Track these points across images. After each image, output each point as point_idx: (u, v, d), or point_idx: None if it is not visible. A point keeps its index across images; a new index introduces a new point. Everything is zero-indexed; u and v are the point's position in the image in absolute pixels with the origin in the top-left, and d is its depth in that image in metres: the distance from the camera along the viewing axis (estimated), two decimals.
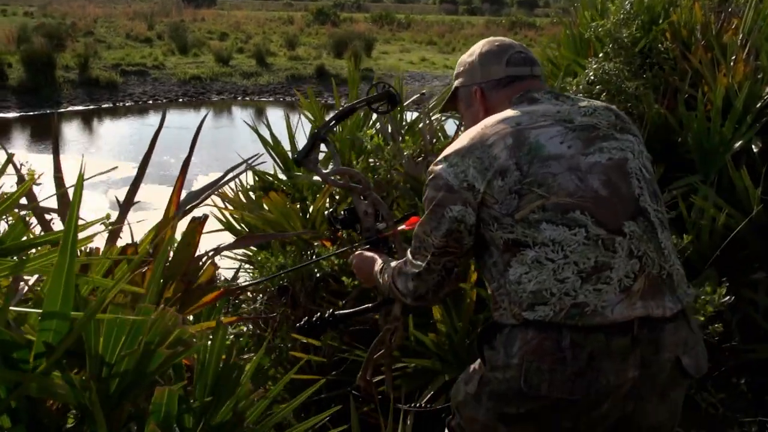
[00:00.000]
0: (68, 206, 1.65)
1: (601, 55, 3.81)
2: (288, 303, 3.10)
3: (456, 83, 1.95)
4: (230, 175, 1.85)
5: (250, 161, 1.99)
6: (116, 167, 1.92)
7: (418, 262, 1.80)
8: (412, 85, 17.56)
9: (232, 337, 2.76)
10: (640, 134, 1.79)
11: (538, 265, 1.56)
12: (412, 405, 2.24)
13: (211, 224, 3.57)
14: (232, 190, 3.60)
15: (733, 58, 3.61)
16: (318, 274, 2.89)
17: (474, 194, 1.62)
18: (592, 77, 3.59)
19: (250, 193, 3.64)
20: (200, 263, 1.53)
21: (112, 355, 1.11)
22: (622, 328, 1.53)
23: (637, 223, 1.59)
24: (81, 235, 1.22)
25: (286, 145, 3.86)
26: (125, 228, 1.89)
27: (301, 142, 2.73)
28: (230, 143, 12.54)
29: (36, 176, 1.91)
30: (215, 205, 3.44)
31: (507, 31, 29.98)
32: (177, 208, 1.61)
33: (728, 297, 2.41)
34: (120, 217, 1.66)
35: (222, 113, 16.86)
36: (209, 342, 1.51)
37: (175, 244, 1.52)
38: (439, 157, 1.72)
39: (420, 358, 2.48)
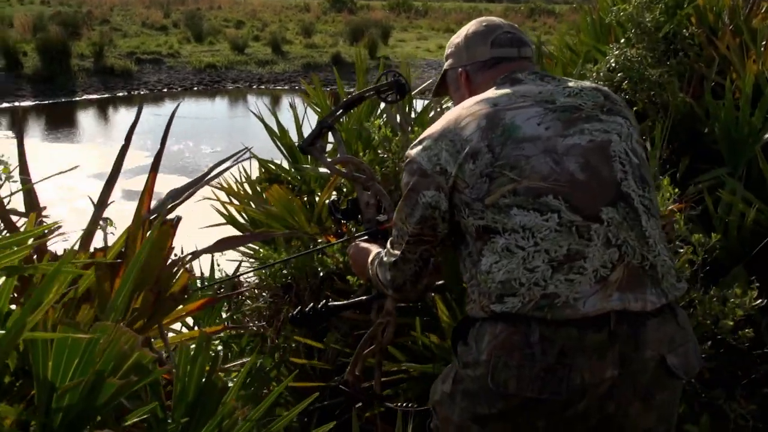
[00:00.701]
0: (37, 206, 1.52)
1: (622, 40, 3.66)
2: (292, 301, 2.98)
3: (445, 66, 1.89)
4: (214, 172, 1.71)
5: (236, 157, 1.86)
6: (77, 166, 1.79)
7: (395, 251, 1.74)
8: (429, 73, 17.38)
9: (219, 348, 2.65)
10: (632, 117, 1.69)
11: (507, 253, 1.48)
12: (403, 405, 2.14)
13: (214, 217, 3.45)
14: (236, 181, 3.48)
15: (764, 43, 3.44)
16: (321, 273, 2.77)
17: (446, 178, 1.56)
18: (613, 64, 3.45)
19: (256, 186, 3.53)
20: (174, 270, 1.40)
21: (63, 382, 0.98)
22: (596, 322, 1.43)
23: (617, 209, 1.50)
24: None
25: (294, 136, 3.72)
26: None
27: (308, 132, 2.68)
28: (244, 132, 12.47)
29: (10, 169, 1.77)
30: (217, 199, 3.32)
31: (525, 18, 29.66)
32: (148, 208, 1.48)
33: (760, 300, 2.25)
34: (93, 218, 1.52)
35: (237, 102, 16.79)
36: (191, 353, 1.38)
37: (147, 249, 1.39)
38: (415, 141, 1.67)
39: (426, 361, 2.35)
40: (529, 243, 1.47)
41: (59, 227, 1.58)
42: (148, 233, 1.35)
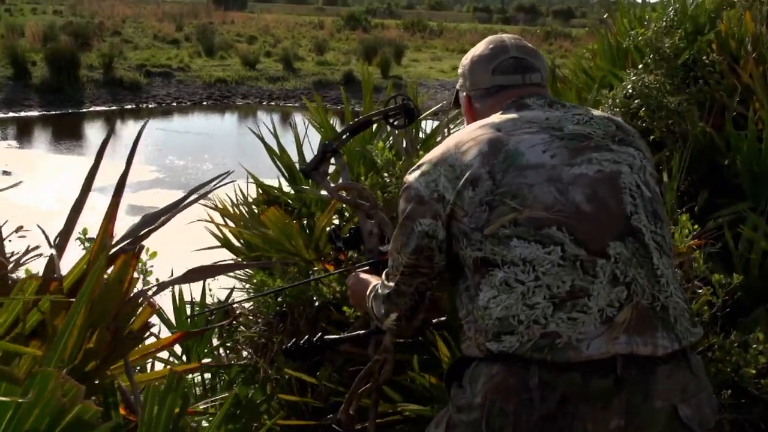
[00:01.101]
0: None
1: (640, 66, 3.57)
2: (287, 330, 2.87)
3: (457, 86, 1.85)
4: (192, 197, 1.61)
5: (216, 182, 1.76)
6: (20, 182, 1.68)
7: (390, 283, 1.68)
8: (442, 94, 17.33)
9: (207, 377, 2.54)
10: (646, 149, 1.62)
11: (506, 287, 1.41)
12: None
13: (208, 240, 3.35)
14: (233, 203, 3.39)
15: None
16: (317, 302, 2.67)
17: (444, 206, 1.50)
18: (630, 90, 3.36)
19: (254, 207, 3.43)
20: (136, 304, 1.29)
21: None
22: (602, 366, 1.35)
23: (625, 244, 1.42)
24: None
25: (296, 155, 3.63)
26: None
27: (308, 151, 2.62)
28: (253, 149, 12.38)
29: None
30: (211, 220, 3.23)
31: (542, 41, 29.67)
32: (110, 235, 1.37)
33: None
34: (58, 245, 1.42)
35: (246, 118, 16.77)
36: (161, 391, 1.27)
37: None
38: (414, 166, 1.61)
39: (424, 402, 2.24)
40: (530, 277, 1.40)
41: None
42: (113, 263, 1.25)
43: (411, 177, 1.59)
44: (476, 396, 1.42)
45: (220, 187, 1.77)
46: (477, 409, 1.41)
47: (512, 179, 1.45)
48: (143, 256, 2.07)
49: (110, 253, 1.29)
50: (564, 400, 1.35)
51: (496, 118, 1.59)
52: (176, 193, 7.94)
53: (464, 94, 1.78)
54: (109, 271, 1.34)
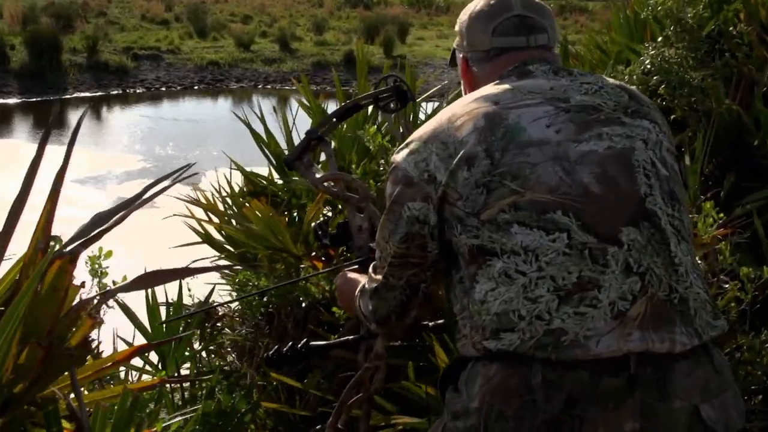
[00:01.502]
0: None
1: (660, 39, 3.51)
2: (273, 333, 2.82)
3: (454, 44, 1.77)
4: (150, 192, 1.53)
5: (176, 175, 1.68)
6: None
7: (378, 276, 1.62)
8: (449, 74, 17.26)
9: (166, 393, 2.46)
10: (663, 122, 1.56)
11: (506, 279, 1.36)
12: None
13: (189, 236, 3.29)
14: (216, 194, 3.33)
15: None
16: (304, 303, 2.61)
17: (435, 187, 1.44)
18: (648, 66, 3.31)
19: (240, 199, 3.37)
20: (75, 317, 1.21)
21: None
22: (613, 364, 1.30)
23: (639, 229, 1.38)
24: None
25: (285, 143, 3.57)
26: None
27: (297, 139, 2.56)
28: (247, 136, 12.34)
29: None
30: (192, 216, 3.16)
31: (556, 15, 29.49)
32: (47, 237, 1.29)
33: None
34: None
35: (241, 102, 16.71)
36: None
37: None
38: (402, 144, 1.55)
39: (421, 413, 2.21)
40: (532, 267, 1.35)
41: None
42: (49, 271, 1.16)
43: (398, 156, 1.53)
44: (473, 400, 1.37)
45: (180, 181, 1.68)
46: (473, 414, 1.36)
47: (512, 158, 1.40)
48: (100, 256, 1.99)
49: (52, 258, 1.21)
50: (571, 402, 1.30)
51: (494, 88, 1.52)
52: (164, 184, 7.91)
53: (461, 55, 1.71)
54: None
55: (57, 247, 1.36)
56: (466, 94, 1.67)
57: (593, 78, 1.56)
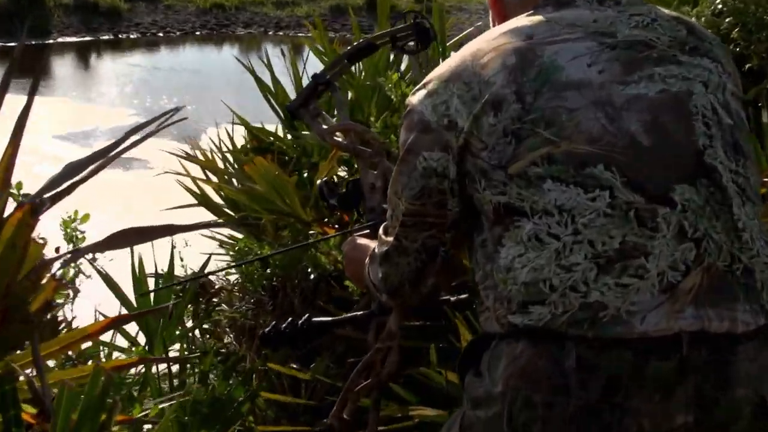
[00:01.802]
0: None
1: None
2: (277, 310, 2.82)
3: None
4: (127, 142, 1.50)
5: (160, 121, 1.65)
6: None
7: (389, 238, 1.59)
8: (486, 19, 17.17)
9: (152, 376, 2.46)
10: (728, 61, 1.50)
11: (536, 243, 1.32)
12: None
13: (184, 197, 3.29)
14: (217, 149, 3.34)
15: None
16: (312, 275, 2.61)
17: (456, 135, 1.41)
18: (720, 6, 3.27)
19: (242, 156, 3.38)
20: (36, 278, 1.19)
21: None
22: (662, 344, 1.26)
23: (696, 187, 1.34)
24: None
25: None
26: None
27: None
28: (256, 90, 12.34)
29: None
30: (188, 174, 3.17)
31: None
32: (6, 188, 1.27)
33: None
34: None
35: (249, 51, 16.75)
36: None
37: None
38: (419, 84, 1.51)
39: (443, 404, 2.21)
40: (567, 230, 1.31)
41: None
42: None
43: (414, 98, 1.50)
44: (496, 384, 1.34)
45: (163, 128, 1.66)
46: (497, 400, 1.33)
47: (547, 102, 1.36)
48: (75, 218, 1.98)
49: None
50: (610, 388, 1.27)
51: (527, 20, 1.48)
52: (164, 142, 7.94)
53: None
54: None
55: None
56: (494, 26, 1.62)
57: (645, 9, 1.52)
